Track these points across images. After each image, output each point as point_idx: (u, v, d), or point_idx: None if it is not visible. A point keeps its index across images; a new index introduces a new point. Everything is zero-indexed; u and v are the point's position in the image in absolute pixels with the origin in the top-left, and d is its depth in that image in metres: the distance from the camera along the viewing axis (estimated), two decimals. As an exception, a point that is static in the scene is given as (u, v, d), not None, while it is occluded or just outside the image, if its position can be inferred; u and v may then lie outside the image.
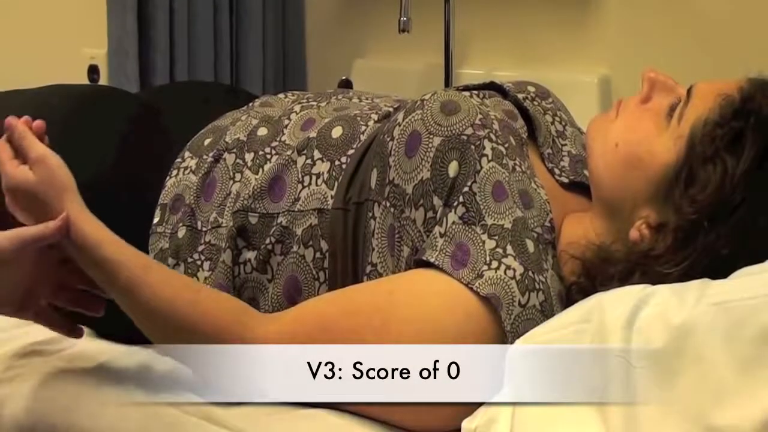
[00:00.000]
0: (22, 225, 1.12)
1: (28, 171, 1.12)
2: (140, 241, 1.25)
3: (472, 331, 1.02)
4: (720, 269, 0.98)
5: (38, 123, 1.16)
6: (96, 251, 1.11)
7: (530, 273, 1.04)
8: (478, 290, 1.02)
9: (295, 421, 1.05)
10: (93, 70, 2.57)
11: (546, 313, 1.04)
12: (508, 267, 1.04)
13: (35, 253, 1.12)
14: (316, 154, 1.20)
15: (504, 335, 1.02)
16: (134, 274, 1.10)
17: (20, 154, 1.14)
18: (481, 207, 1.07)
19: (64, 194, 1.12)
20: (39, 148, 1.13)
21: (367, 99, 1.32)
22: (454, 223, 1.07)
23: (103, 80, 2.50)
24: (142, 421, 1.10)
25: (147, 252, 1.25)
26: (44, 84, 1.48)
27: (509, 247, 1.05)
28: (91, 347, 1.26)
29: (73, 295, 1.18)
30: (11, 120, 1.15)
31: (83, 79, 2.55)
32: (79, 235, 1.11)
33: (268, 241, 1.18)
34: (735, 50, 1.85)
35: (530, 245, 1.07)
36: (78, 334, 1.21)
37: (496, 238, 1.05)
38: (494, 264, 1.04)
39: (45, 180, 1.12)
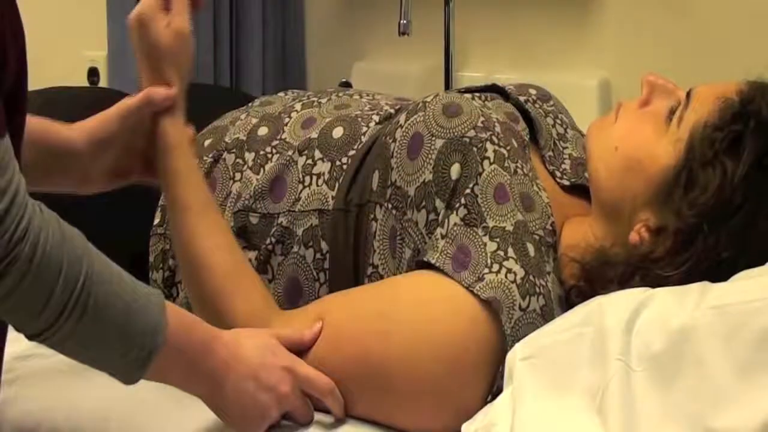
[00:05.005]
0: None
1: (167, 36, 1.14)
2: (141, 242, 1.25)
3: (474, 335, 1.02)
4: (720, 272, 0.98)
5: None
6: (165, 155, 1.14)
7: (531, 277, 1.04)
8: (479, 293, 1.02)
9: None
10: (93, 73, 2.57)
11: (546, 317, 1.04)
12: (509, 270, 1.04)
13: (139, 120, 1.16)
14: (317, 155, 1.20)
15: (504, 339, 1.02)
16: (181, 201, 1.13)
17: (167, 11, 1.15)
18: (483, 209, 1.07)
19: (178, 78, 1.15)
20: (185, 21, 1.15)
21: (368, 96, 1.32)
22: (455, 224, 1.07)
23: (103, 83, 2.51)
24: (148, 422, 1.10)
25: (147, 256, 1.25)
26: (44, 86, 1.48)
27: (510, 250, 1.05)
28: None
29: None
30: None
31: (83, 82, 2.55)
32: (163, 131, 1.15)
33: (268, 241, 1.18)
34: (735, 53, 1.85)
35: (531, 249, 1.07)
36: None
37: (498, 240, 1.06)
38: (495, 267, 1.04)
39: (171, 54, 1.15)
